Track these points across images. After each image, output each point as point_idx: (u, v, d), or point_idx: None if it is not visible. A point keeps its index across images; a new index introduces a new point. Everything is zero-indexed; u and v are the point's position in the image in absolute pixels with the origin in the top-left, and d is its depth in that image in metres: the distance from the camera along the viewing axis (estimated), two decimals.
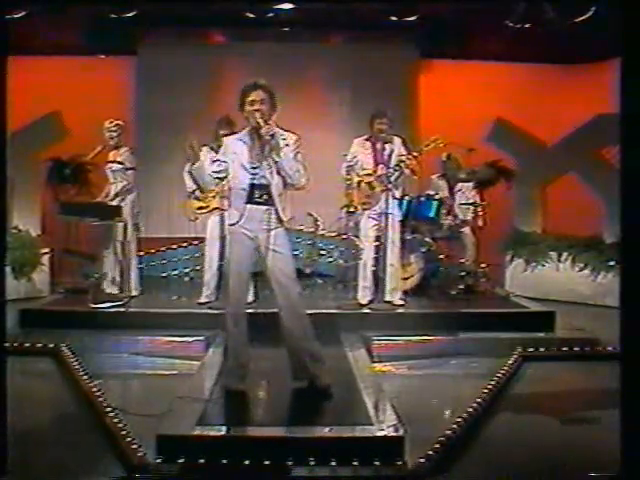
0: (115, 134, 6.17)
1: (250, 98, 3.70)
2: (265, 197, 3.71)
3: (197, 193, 5.82)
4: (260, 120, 3.64)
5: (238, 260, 3.78)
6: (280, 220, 3.75)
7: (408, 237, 6.40)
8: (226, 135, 5.67)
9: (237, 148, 3.77)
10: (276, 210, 3.73)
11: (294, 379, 3.86)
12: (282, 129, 3.77)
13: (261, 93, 3.69)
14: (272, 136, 3.63)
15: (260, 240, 3.73)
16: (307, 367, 3.80)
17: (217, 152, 5.72)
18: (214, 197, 5.76)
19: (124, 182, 6.17)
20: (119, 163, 6.17)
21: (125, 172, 6.18)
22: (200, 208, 5.85)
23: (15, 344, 4.90)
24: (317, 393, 3.75)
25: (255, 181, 3.71)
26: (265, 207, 3.71)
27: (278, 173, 3.70)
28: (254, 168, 3.71)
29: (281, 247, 3.75)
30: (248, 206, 3.71)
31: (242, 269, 3.79)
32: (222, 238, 5.82)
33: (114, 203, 6.14)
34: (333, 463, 3.03)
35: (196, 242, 7.39)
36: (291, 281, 3.78)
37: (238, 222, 3.74)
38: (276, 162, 3.67)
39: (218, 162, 3.80)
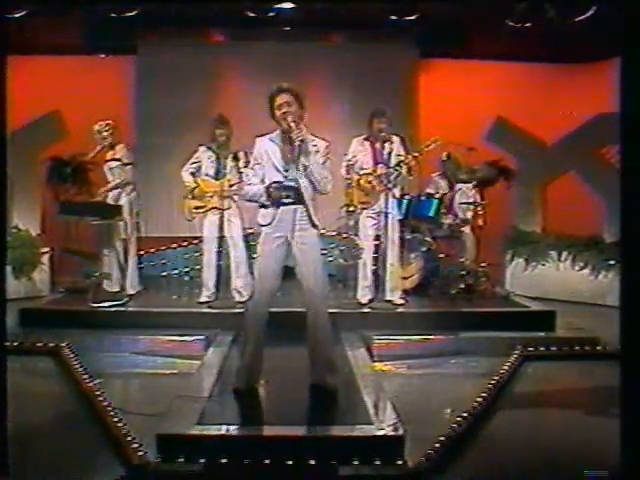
0: (108, 134, 6.18)
1: (277, 102, 3.73)
2: (295, 198, 3.72)
3: (195, 192, 5.83)
4: (291, 123, 3.67)
5: (265, 260, 3.79)
6: (313, 223, 3.77)
7: (408, 236, 6.41)
8: (222, 134, 5.75)
9: (269, 148, 3.78)
10: (307, 211, 3.75)
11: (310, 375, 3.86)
12: (313, 135, 3.81)
13: (286, 96, 3.72)
14: (302, 142, 3.66)
15: (290, 240, 3.75)
16: (319, 373, 3.80)
17: (215, 152, 5.79)
18: (212, 197, 5.76)
19: (122, 178, 6.18)
20: (116, 160, 6.18)
21: (123, 168, 6.19)
22: (198, 207, 5.84)
23: (15, 344, 4.91)
24: (320, 393, 3.75)
25: (286, 182, 3.73)
26: (295, 207, 3.73)
27: (307, 177, 3.73)
28: (286, 170, 3.73)
29: (311, 247, 3.77)
30: (281, 207, 3.73)
31: (269, 269, 3.78)
32: (220, 238, 5.83)
33: (112, 198, 6.15)
34: (333, 463, 3.03)
35: (196, 241, 7.37)
36: (318, 282, 3.78)
37: (271, 223, 3.75)
38: (305, 167, 3.70)
39: (254, 173, 3.82)
